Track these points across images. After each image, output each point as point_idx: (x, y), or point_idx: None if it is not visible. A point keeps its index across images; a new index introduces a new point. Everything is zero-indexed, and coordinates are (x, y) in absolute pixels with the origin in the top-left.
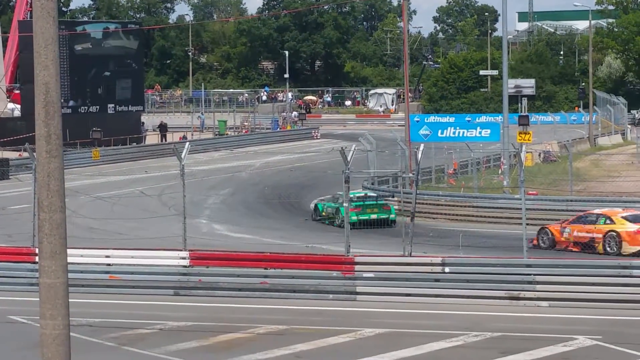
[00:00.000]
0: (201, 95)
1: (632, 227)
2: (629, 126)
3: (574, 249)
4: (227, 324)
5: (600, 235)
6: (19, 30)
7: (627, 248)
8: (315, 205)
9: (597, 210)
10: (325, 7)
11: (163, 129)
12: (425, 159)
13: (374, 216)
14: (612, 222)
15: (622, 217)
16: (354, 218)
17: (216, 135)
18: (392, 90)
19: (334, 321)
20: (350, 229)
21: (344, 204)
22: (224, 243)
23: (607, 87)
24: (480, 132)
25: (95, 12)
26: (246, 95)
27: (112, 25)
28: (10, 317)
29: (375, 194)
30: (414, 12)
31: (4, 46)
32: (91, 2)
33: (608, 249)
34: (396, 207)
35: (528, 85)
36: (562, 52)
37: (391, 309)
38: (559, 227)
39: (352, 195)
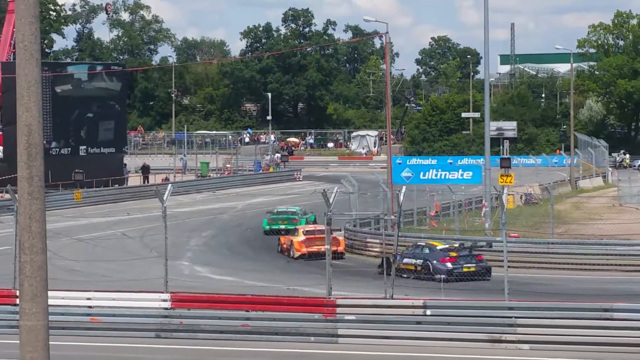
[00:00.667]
0: (184, 137)
1: (301, 238)
2: (610, 169)
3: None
4: None
5: (288, 244)
6: (1, 72)
7: (295, 253)
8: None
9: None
10: (309, 49)
11: (145, 170)
12: (407, 201)
13: (282, 227)
14: (296, 234)
15: (303, 231)
16: (267, 227)
17: (198, 177)
18: (374, 133)
19: None
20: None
21: (326, 246)
22: (206, 285)
23: (588, 130)
24: (462, 175)
25: (79, 53)
26: (229, 137)
27: (96, 67)
28: None
29: (295, 209)
30: (397, 54)
31: None
32: (74, 44)
33: (291, 253)
34: (378, 249)
35: (510, 127)
36: (543, 95)
37: (372, 352)
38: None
39: (276, 210)
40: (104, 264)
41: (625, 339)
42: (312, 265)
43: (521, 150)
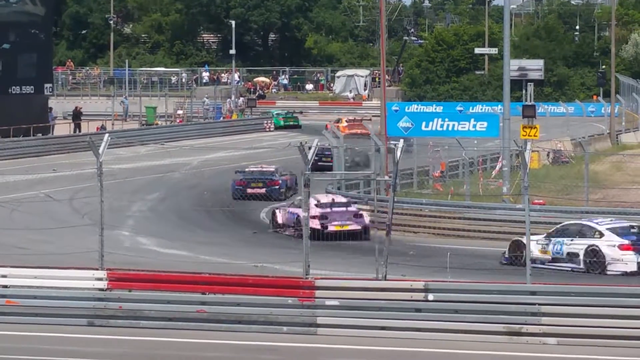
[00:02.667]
0: (125, 75)
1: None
2: None
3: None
4: None
5: None
6: None
7: None
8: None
9: None
10: None
11: (77, 116)
12: (406, 158)
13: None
14: None
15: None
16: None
17: (143, 125)
18: (364, 72)
19: None
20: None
21: (303, 214)
22: (152, 261)
23: (634, 71)
24: (474, 126)
25: None
26: (184, 75)
27: None
28: None
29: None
30: None
31: None
32: None
33: None
34: (369, 218)
35: (535, 67)
36: (577, 27)
37: (360, 346)
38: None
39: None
40: (23, 232)
41: None
42: (285, 237)
43: (549, 95)
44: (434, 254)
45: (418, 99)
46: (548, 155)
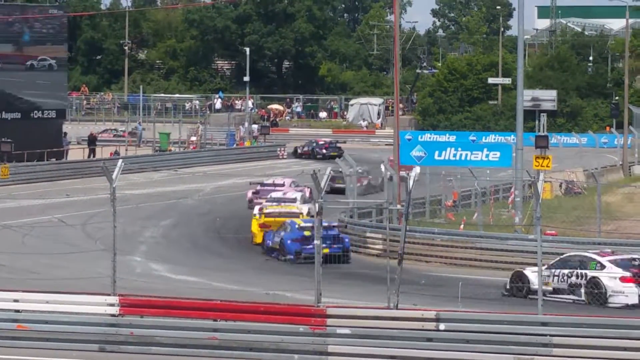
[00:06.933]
0: (139, 101)
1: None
2: None
3: None
4: None
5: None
6: None
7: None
8: None
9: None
10: None
11: (92, 142)
12: (418, 187)
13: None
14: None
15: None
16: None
17: (156, 151)
18: (378, 100)
19: None
20: None
21: (315, 242)
22: (164, 287)
23: None
24: (487, 155)
25: None
26: (196, 102)
27: (29, 10)
28: None
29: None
30: (408, 2)
31: None
32: None
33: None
34: (380, 246)
35: (548, 97)
36: (591, 58)
37: None
38: None
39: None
40: (35, 257)
41: None
42: (297, 265)
43: (562, 126)
44: (445, 283)
45: (431, 128)
46: (560, 186)
